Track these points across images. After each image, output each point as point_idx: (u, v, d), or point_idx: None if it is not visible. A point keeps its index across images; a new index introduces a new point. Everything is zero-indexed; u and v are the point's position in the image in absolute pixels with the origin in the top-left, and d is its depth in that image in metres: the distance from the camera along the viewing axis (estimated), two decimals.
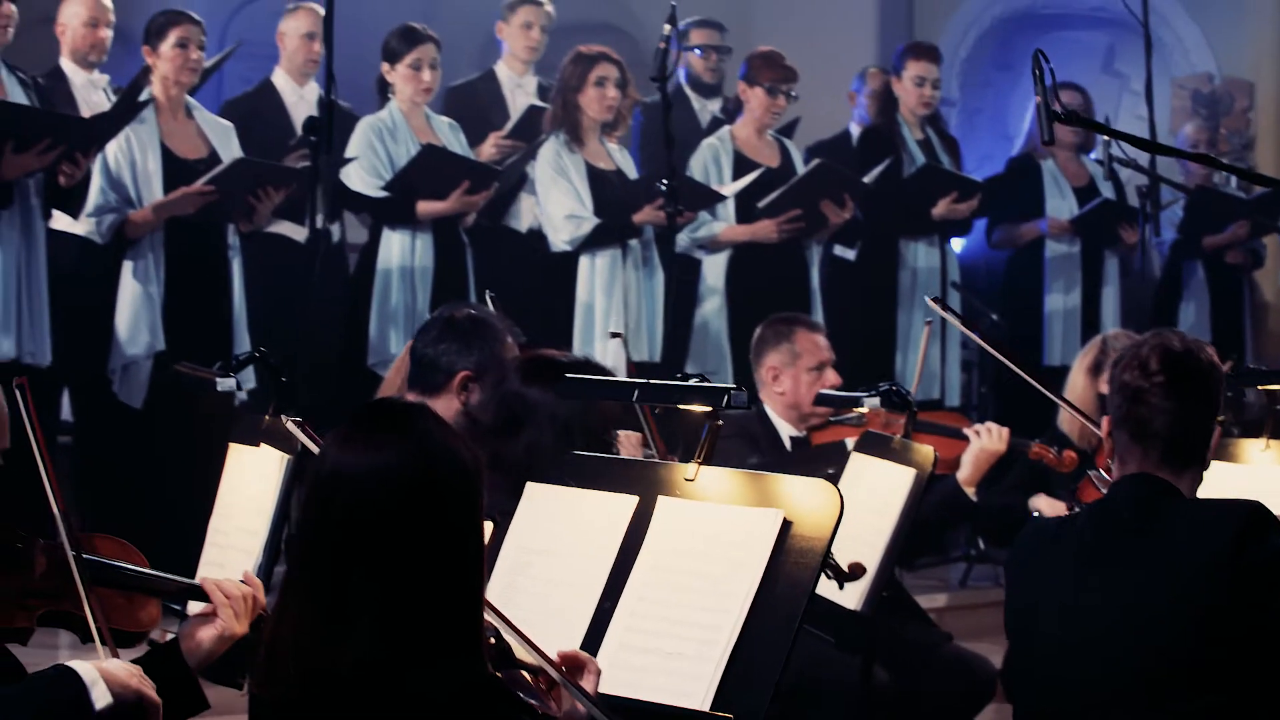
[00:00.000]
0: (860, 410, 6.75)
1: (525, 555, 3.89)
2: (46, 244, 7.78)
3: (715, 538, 3.68)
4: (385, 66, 8.89)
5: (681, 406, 3.99)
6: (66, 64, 8.58)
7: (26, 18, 7.91)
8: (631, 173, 9.19)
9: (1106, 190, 10.47)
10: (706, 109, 10.58)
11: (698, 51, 10.58)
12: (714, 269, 9.53)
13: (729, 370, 9.29)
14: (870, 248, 9.97)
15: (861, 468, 5.62)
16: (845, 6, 13.48)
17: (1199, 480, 4.17)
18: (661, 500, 3.79)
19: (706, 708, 3.52)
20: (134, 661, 3.59)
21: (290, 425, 4.57)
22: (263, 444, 4.88)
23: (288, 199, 8.31)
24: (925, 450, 5.48)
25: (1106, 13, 11.66)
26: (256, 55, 10.08)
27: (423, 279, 8.74)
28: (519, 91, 9.84)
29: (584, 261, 8.94)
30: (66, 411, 8.47)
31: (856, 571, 4.78)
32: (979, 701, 6.68)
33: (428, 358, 5.26)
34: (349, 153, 8.67)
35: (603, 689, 3.52)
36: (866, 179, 9.63)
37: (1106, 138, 9.77)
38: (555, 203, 8.92)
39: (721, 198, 9.25)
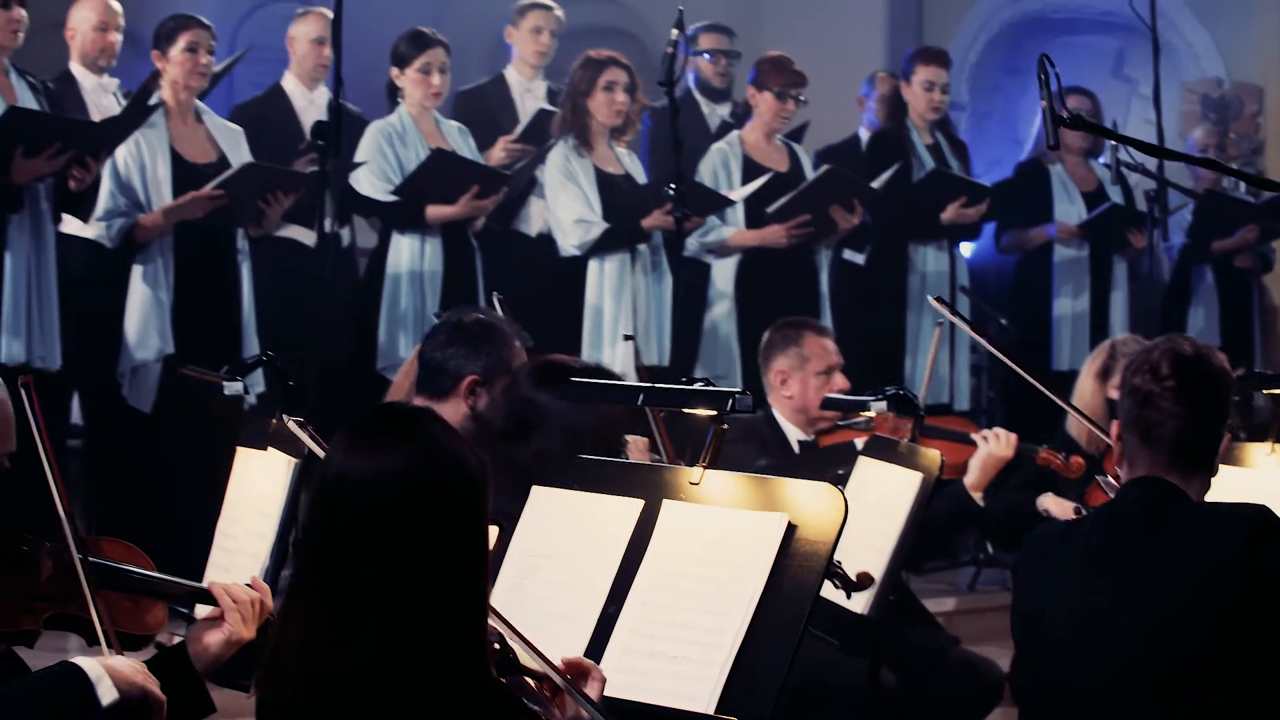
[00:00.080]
0: (868, 414, 6.76)
1: (531, 559, 3.90)
2: (56, 248, 7.79)
3: (720, 541, 3.69)
4: (394, 71, 8.89)
5: (686, 410, 4.00)
6: (76, 68, 8.60)
7: (36, 22, 7.92)
8: (640, 177, 9.19)
9: (1115, 195, 10.47)
10: (715, 113, 10.58)
11: (707, 56, 10.59)
12: (723, 273, 9.54)
13: (738, 374, 9.29)
14: (879, 252, 9.97)
15: (868, 472, 5.62)
16: (854, 11, 13.48)
17: (1207, 485, 4.17)
18: (666, 504, 3.80)
19: (711, 711, 3.53)
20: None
21: (292, 425, 4.58)
22: (270, 448, 4.88)
23: (297, 203, 8.32)
24: (932, 454, 5.48)
25: (1116, 17, 11.63)
26: (266, 60, 10.08)
27: (432, 283, 8.74)
28: (528, 96, 9.85)
29: (593, 266, 8.94)
30: (76, 415, 8.48)
31: (865, 581, 4.78)
32: (986, 705, 6.67)
33: (435, 362, 5.27)
34: (358, 157, 8.68)
35: (607, 692, 3.52)
36: (875, 184, 9.64)
37: (1115, 142, 9.77)
38: (564, 207, 8.93)
39: (730, 202, 9.26)
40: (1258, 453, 5.24)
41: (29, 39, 7.83)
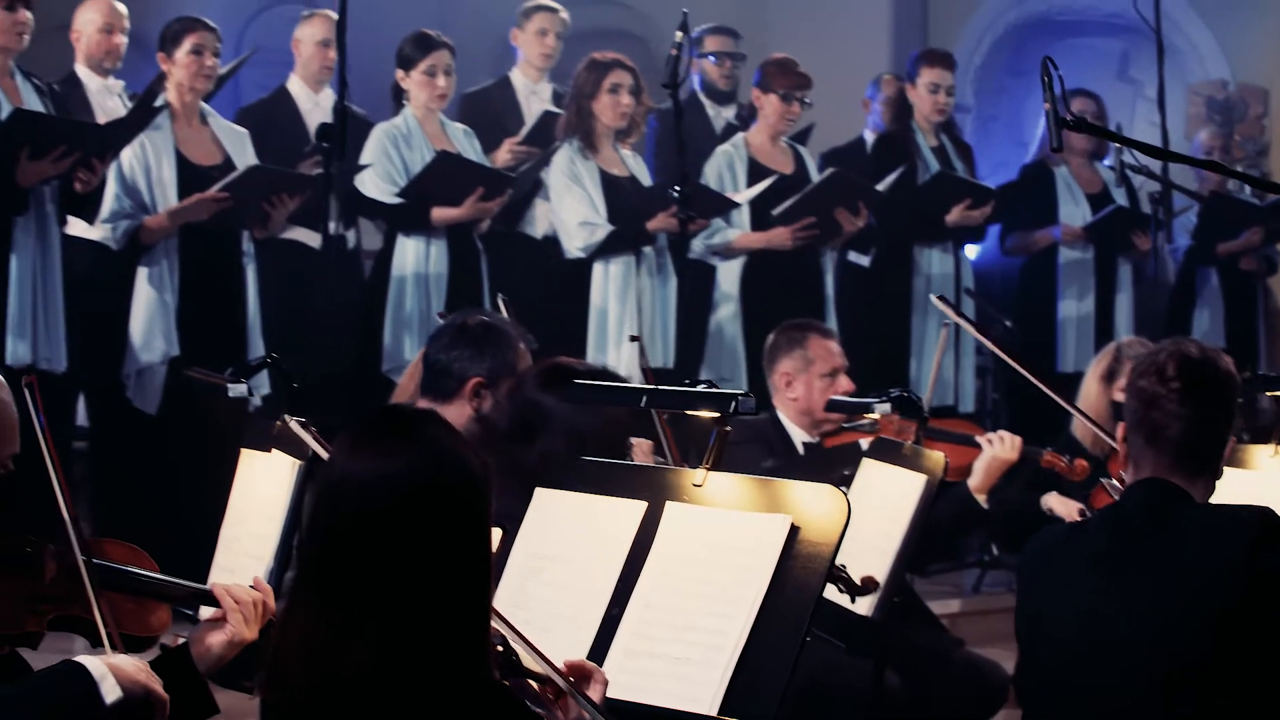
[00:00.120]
0: (872, 416, 6.76)
1: (534, 561, 3.90)
2: (62, 250, 7.78)
3: (723, 543, 3.70)
4: (400, 73, 8.88)
5: (689, 412, 4.00)
6: (82, 70, 8.62)
7: (42, 24, 7.92)
8: (645, 179, 9.19)
9: (1120, 197, 10.47)
10: (721, 116, 10.59)
11: (712, 59, 10.59)
12: (729, 275, 9.54)
13: (743, 376, 9.29)
14: (884, 254, 9.98)
15: (872, 474, 5.62)
16: (860, 13, 13.48)
17: (1212, 488, 4.18)
18: (670, 505, 3.81)
19: (714, 713, 3.54)
20: None
21: (294, 424, 4.59)
22: (274, 449, 4.89)
23: (302, 206, 8.32)
24: (936, 456, 5.49)
25: (1121, 19, 11.63)
26: (272, 62, 10.08)
27: (437, 285, 8.74)
28: (534, 98, 9.85)
29: (598, 268, 8.94)
30: (82, 417, 8.49)
31: (869, 586, 4.79)
32: (991, 707, 6.68)
33: (440, 364, 5.26)
34: (363, 159, 8.68)
35: (610, 694, 3.53)
36: (880, 186, 9.64)
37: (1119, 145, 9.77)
38: (569, 209, 8.93)
39: (735, 205, 9.25)
40: (1261, 455, 5.24)
41: (34, 41, 7.83)
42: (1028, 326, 10.26)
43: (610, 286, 8.93)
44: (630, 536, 3.80)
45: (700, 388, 4.86)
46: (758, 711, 3.52)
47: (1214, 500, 4.19)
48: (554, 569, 3.86)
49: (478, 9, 12.07)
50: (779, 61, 9.67)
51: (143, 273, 8.08)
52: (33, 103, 7.77)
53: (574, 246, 8.92)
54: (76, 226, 7.98)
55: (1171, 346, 4.20)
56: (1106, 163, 10.63)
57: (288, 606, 3.18)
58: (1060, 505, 7.02)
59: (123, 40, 8.65)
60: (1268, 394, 6.07)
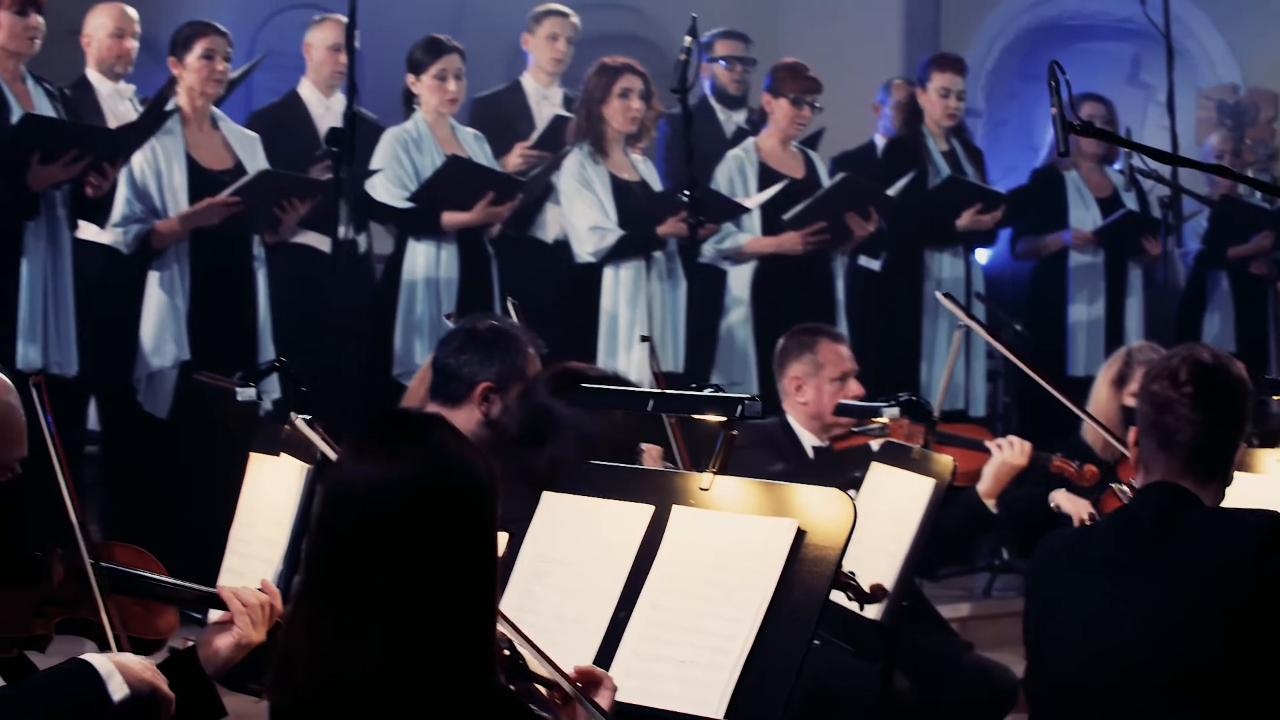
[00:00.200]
0: (881, 420, 6.76)
1: (541, 564, 3.90)
2: (73, 254, 7.80)
3: (729, 547, 3.70)
4: (410, 78, 8.89)
5: (696, 416, 4.01)
6: (92, 75, 8.63)
7: (53, 29, 7.93)
8: (655, 184, 9.19)
9: (1129, 201, 10.47)
10: (731, 120, 10.59)
11: (722, 63, 10.60)
12: (739, 280, 9.53)
13: (754, 380, 9.29)
14: (895, 259, 9.98)
15: (881, 478, 5.62)
16: (871, 18, 13.48)
17: (1222, 494, 4.18)
18: (676, 509, 3.81)
19: (720, 716, 3.54)
20: None
21: (300, 423, 4.60)
22: (283, 453, 4.90)
23: (313, 210, 8.33)
24: (944, 460, 5.49)
25: (1132, 24, 11.65)
26: (283, 66, 10.09)
27: (448, 290, 8.75)
28: (544, 102, 9.85)
29: (608, 273, 8.94)
30: (93, 421, 8.50)
31: (878, 593, 4.78)
32: (1000, 711, 6.67)
33: (449, 369, 5.27)
34: (374, 164, 8.69)
35: (617, 697, 3.53)
36: (891, 191, 9.64)
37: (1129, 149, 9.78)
38: (579, 214, 8.93)
39: (745, 209, 9.25)
40: (1269, 459, 5.23)
41: (45, 46, 7.83)
42: (1038, 331, 10.26)
43: (620, 291, 8.93)
44: (637, 540, 3.80)
45: (707, 392, 4.85)
46: (764, 714, 3.52)
47: (1222, 504, 4.20)
48: (560, 572, 3.87)
49: (489, 13, 12.10)
50: (789, 66, 9.67)
51: (153, 277, 8.09)
52: (44, 107, 7.78)
53: (584, 251, 8.92)
54: (87, 231, 7.99)
55: (1184, 351, 4.22)
56: (1117, 167, 10.62)
57: (294, 609, 3.18)
58: (1068, 502, 7.01)
59: (134, 45, 8.67)
60: (1276, 398, 6.07)
